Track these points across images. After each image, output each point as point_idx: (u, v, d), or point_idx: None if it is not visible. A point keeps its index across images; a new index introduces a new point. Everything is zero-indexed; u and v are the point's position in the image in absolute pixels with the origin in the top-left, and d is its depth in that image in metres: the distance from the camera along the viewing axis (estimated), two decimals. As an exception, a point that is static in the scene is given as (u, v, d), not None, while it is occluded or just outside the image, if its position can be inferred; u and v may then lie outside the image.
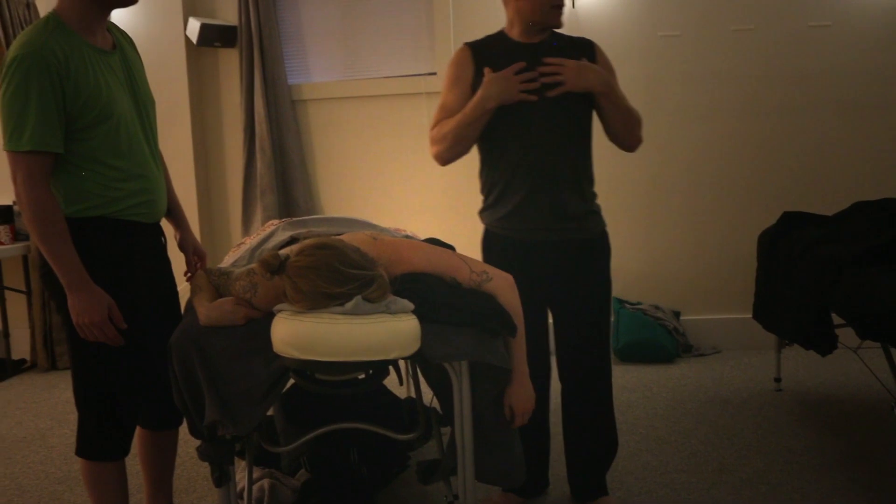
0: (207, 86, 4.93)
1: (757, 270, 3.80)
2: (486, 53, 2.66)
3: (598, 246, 2.73)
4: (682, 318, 4.76)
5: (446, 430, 2.88)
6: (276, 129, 4.74)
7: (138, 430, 2.53)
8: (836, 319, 3.01)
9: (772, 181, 4.62)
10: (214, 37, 4.67)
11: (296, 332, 1.92)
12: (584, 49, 2.69)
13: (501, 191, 2.65)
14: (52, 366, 4.94)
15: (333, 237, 2.09)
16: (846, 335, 3.03)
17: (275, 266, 1.99)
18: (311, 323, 1.91)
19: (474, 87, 2.61)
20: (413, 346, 2.03)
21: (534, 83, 2.51)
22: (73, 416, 3.99)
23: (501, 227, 2.68)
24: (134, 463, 3.22)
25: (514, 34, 2.66)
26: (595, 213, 2.72)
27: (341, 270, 1.94)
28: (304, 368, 2.02)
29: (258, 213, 4.75)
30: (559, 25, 2.62)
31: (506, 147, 2.61)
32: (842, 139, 4.56)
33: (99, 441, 2.33)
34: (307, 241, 2.04)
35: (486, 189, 2.72)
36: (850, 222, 3.29)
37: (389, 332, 1.96)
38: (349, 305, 1.92)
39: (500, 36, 2.69)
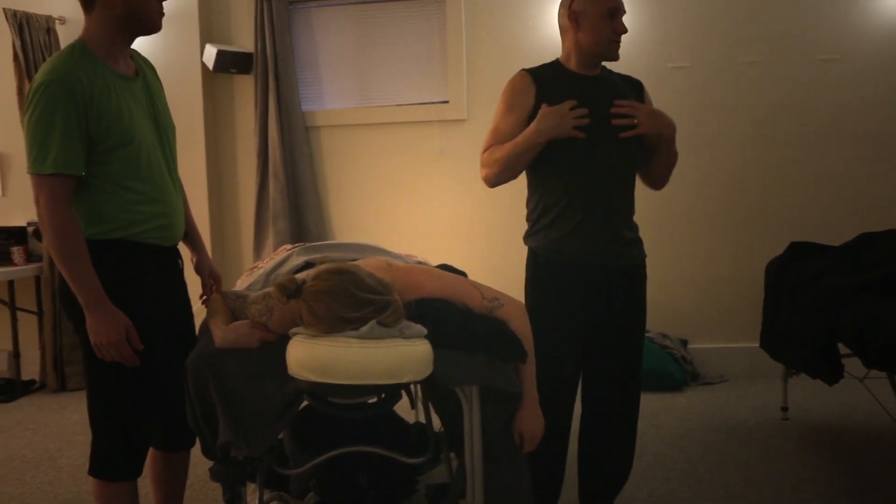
0: (222, 111, 5.00)
1: (764, 300, 3.83)
2: (546, 82, 2.69)
3: (641, 273, 2.79)
4: (689, 346, 4.78)
5: (451, 454, 2.90)
6: (289, 155, 4.80)
7: (151, 450, 2.56)
8: (843, 349, 3.03)
9: (779, 211, 4.66)
10: (230, 63, 4.75)
11: (311, 355, 1.96)
12: (635, 87, 2.79)
13: (557, 216, 2.67)
14: (62, 387, 4.97)
15: (349, 262, 2.14)
16: (852, 364, 3.05)
17: (291, 290, 2.03)
18: (327, 346, 1.95)
19: (533, 113, 2.65)
20: (426, 371, 2.06)
21: (585, 119, 2.55)
22: (83, 438, 4.02)
23: (553, 250, 2.69)
24: (144, 484, 3.24)
25: (572, 65, 2.70)
26: (641, 241, 2.79)
27: (357, 295, 1.98)
28: (319, 391, 2.05)
29: (270, 237, 4.80)
30: (616, 58, 2.68)
31: (563, 174, 2.65)
32: (848, 171, 4.60)
33: (112, 461, 2.36)
34: (323, 266, 2.08)
35: (538, 213, 2.73)
36: (857, 253, 3.33)
37: (403, 356, 1.99)
38: (364, 330, 1.95)
39: (557, 65, 2.74)
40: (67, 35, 4.84)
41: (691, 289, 4.75)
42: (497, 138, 2.70)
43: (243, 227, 5.05)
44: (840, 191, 4.62)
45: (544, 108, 2.58)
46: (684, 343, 4.76)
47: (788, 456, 3.50)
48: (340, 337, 1.96)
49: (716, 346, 4.77)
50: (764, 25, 4.57)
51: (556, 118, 2.55)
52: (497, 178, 2.69)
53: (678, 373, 4.54)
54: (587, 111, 2.56)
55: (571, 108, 2.56)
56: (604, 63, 2.72)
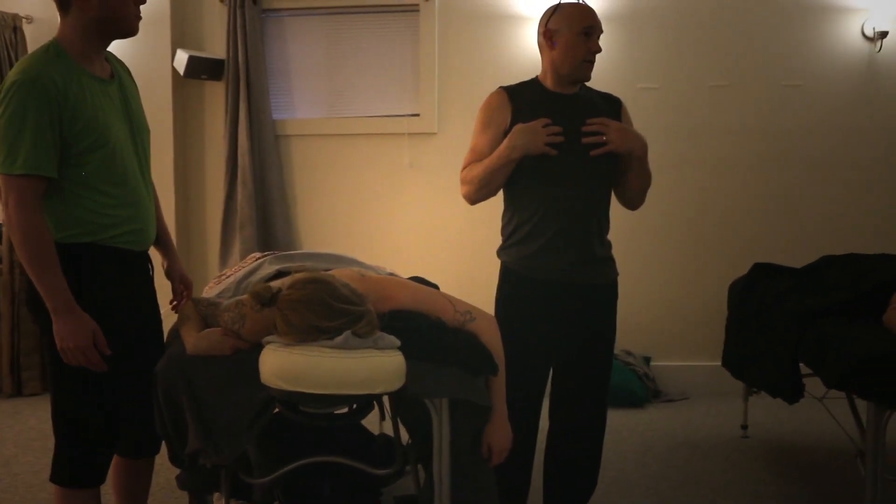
0: (192, 117, 4.97)
1: (727, 319, 3.89)
2: (522, 99, 2.72)
3: (613, 292, 2.82)
4: (652, 363, 4.83)
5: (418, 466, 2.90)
6: (258, 163, 4.78)
7: (114, 457, 2.52)
8: (804, 369, 3.08)
9: (743, 233, 4.74)
10: (202, 69, 4.72)
11: (285, 364, 1.95)
12: (612, 105, 2.79)
13: (529, 231, 2.69)
14: (18, 392, 4.87)
15: (323, 272, 2.14)
16: (811, 384, 3.11)
17: (266, 298, 2.03)
18: (301, 355, 1.95)
19: (507, 132, 2.68)
20: (398, 382, 2.07)
21: (559, 137, 2.58)
22: (39, 444, 3.94)
23: (525, 265, 2.71)
24: (106, 492, 3.19)
25: (549, 83, 2.73)
26: (613, 259, 2.81)
27: (332, 305, 1.98)
28: (291, 400, 2.05)
29: (236, 245, 4.77)
30: (588, 78, 2.71)
31: (536, 190, 2.67)
32: (811, 194, 4.70)
33: (76, 468, 2.32)
34: (298, 275, 2.08)
35: (512, 228, 2.75)
36: (819, 275, 3.40)
37: (376, 367, 2.00)
38: (339, 340, 1.96)
39: (534, 83, 2.76)
40: (34, 33, 4.78)
41: (655, 307, 4.80)
42: (474, 156, 2.73)
43: (210, 233, 5.01)
44: (802, 214, 4.71)
45: (518, 125, 2.61)
46: (647, 360, 4.81)
47: (748, 473, 3.55)
48: (315, 346, 1.97)
49: (678, 364, 4.82)
50: (731, 51, 4.66)
51: (529, 135, 2.58)
52: (475, 195, 2.72)
53: (641, 390, 4.58)
54: (560, 129, 2.58)
55: (545, 126, 2.59)
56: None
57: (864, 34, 4.57)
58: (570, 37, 2.64)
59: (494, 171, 2.63)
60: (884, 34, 4.48)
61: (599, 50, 2.67)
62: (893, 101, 4.62)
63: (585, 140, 2.60)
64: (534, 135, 2.58)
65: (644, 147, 2.67)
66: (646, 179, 2.76)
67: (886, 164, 4.66)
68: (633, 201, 2.84)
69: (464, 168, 2.75)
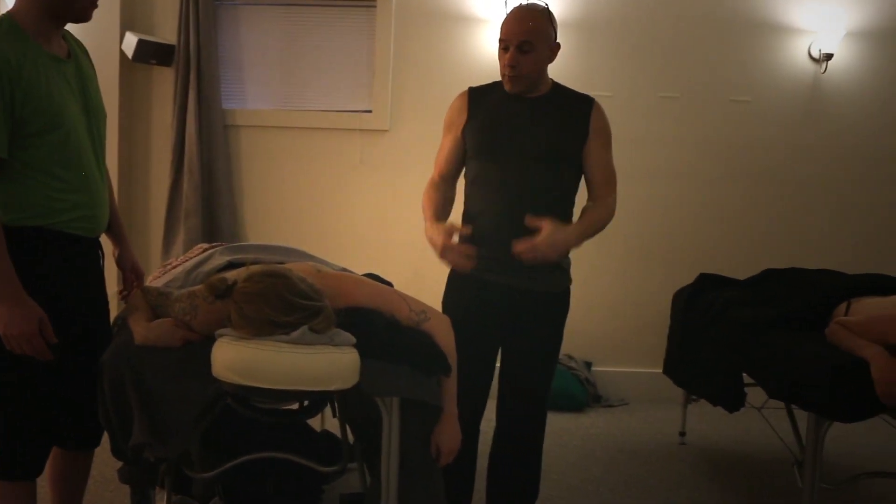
0: (138, 102, 4.85)
1: (670, 327, 3.95)
2: (481, 101, 2.73)
3: (560, 301, 2.80)
4: (593, 368, 4.88)
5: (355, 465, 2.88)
6: (206, 152, 4.69)
7: (52, 449, 2.44)
8: (745, 379, 3.15)
9: (687, 243, 4.82)
10: (151, 54, 4.62)
11: (238, 358, 1.92)
12: (581, 107, 2.72)
13: (480, 235, 2.66)
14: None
15: (280, 266, 2.11)
16: (751, 394, 3.18)
17: (221, 290, 1.99)
18: (255, 349, 1.92)
19: (464, 132, 2.72)
20: (353, 379, 2.05)
21: (466, 261, 2.58)
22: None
23: (473, 268, 2.67)
24: (41, 484, 3.09)
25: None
26: (564, 270, 2.79)
27: (289, 300, 1.95)
28: (243, 395, 2.01)
29: (181, 235, 4.67)
30: (512, 91, 2.66)
31: (489, 195, 2.67)
32: (755, 208, 4.81)
33: (13, 459, 2.25)
34: (255, 268, 2.04)
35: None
36: (763, 288, 3.47)
37: (332, 363, 1.98)
38: (295, 335, 1.93)
39: (500, 85, 2.73)
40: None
41: (598, 313, 4.85)
42: (439, 156, 2.81)
43: (153, 222, 4.90)
44: (746, 226, 4.82)
45: (434, 230, 2.61)
46: (588, 365, 4.87)
47: (686, 479, 3.61)
48: (270, 340, 1.93)
49: (619, 370, 4.89)
50: (682, 63, 4.73)
51: (437, 248, 2.59)
52: None
53: (581, 394, 4.63)
54: (473, 252, 2.57)
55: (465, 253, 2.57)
56: (556, 81, 2.75)
57: (810, 55, 4.69)
58: (499, 48, 2.65)
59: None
60: (829, 56, 4.61)
61: (513, 63, 2.59)
62: (837, 121, 4.75)
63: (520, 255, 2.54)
64: (434, 244, 2.60)
65: (574, 245, 2.67)
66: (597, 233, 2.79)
67: (829, 181, 4.79)
68: None
69: (434, 170, 2.81)
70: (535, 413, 2.84)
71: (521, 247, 2.51)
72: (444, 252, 2.57)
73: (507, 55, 2.60)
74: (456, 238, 2.60)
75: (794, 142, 4.76)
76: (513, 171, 2.65)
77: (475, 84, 2.84)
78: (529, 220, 2.54)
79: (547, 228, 2.51)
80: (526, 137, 2.64)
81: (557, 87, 2.75)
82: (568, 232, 2.61)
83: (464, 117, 2.73)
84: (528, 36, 2.58)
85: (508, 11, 2.68)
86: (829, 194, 4.81)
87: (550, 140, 2.66)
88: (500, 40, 2.62)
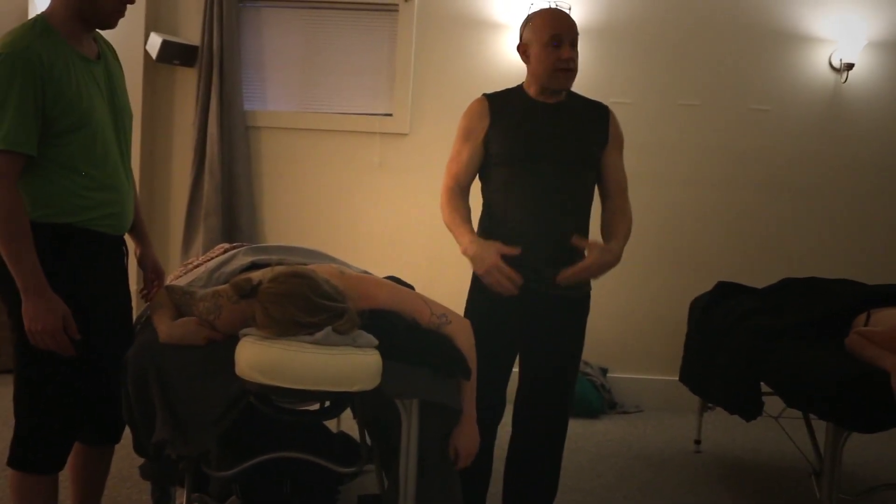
0: (161, 102, 4.90)
1: (687, 335, 3.95)
2: (502, 107, 2.72)
3: (583, 305, 2.81)
4: (609, 375, 4.88)
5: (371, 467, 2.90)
6: (227, 153, 4.73)
7: (74, 444, 2.47)
8: (762, 388, 3.15)
9: (705, 250, 4.82)
10: (175, 54, 4.66)
11: (263, 358, 1.94)
12: (600, 114, 2.77)
13: (504, 239, 2.60)
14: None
15: (304, 266, 2.12)
16: (767, 403, 3.18)
17: (246, 290, 2.01)
18: (280, 349, 1.94)
19: (486, 140, 2.69)
20: (375, 380, 2.07)
21: (512, 286, 2.49)
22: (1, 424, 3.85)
23: None
24: (62, 477, 3.13)
25: (532, 92, 2.72)
26: None
27: (314, 301, 1.97)
28: (266, 394, 2.03)
29: (200, 234, 4.70)
30: (566, 88, 2.68)
31: (513, 199, 2.66)
32: (774, 217, 4.80)
33: (36, 453, 2.27)
34: (279, 269, 2.06)
35: (486, 235, 2.69)
36: (781, 297, 3.47)
37: (355, 364, 1.99)
38: (319, 335, 1.95)
39: (519, 91, 2.76)
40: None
41: (614, 319, 4.85)
42: (455, 165, 2.75)
43: (173, 221, 4.94)
44: (765, 235, 4.81)
45: (483, 247, 2.53)
46: (604, 371, 4.87)
47: (701, 487, 3.61)
48: (294, 341, 1.95)
49: (634, 377, 4.89)
50: (702, 71, 4.73)
51: (479, 258, 2.51)
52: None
53: (597, 400, 4.63)
54: (520, 280, 2.50)
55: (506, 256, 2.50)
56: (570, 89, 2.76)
57: (831, 65, 4.68)
58: (539, 48, 2.64)
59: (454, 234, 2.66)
60: (850, 66, 4.60)
61: (571, 56, 2.62)
62: (856, 131, 4.74)
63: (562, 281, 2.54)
64: (482, 261, 2.51)
65: (618, 260, 2.63)
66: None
67: (848, 190, 4.78)
68: None
69: (447, 173, 2.75)
70: (558, 417, 2.84)
71: (570, 272, 2.52)
72: (490, 271, 2.49)
73: (563, 50, 2.61)
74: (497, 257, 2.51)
75: (813, 150, 4.76)
76: (549, 175, 2.65)
77: (495, 89, 2.85)
78: (576, 241, 2.57)
79: (595, 250, 2.54)
80: (559, 143, 2.65)
81: (571, 95, 2.78)
82: (614, 252, 2.61)
83: (485, 123, 2.72)
84: (577, 32, 2.65)
85: (538, 11, 2.68)
86: (847, 204, 4.80)
87: (580, 146, 2.69)
88: (553, 36, 2.60)
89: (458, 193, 2.74)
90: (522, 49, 2.71)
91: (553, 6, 2.72)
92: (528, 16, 2.71)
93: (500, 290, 2.51)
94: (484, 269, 2.51)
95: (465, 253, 2.58)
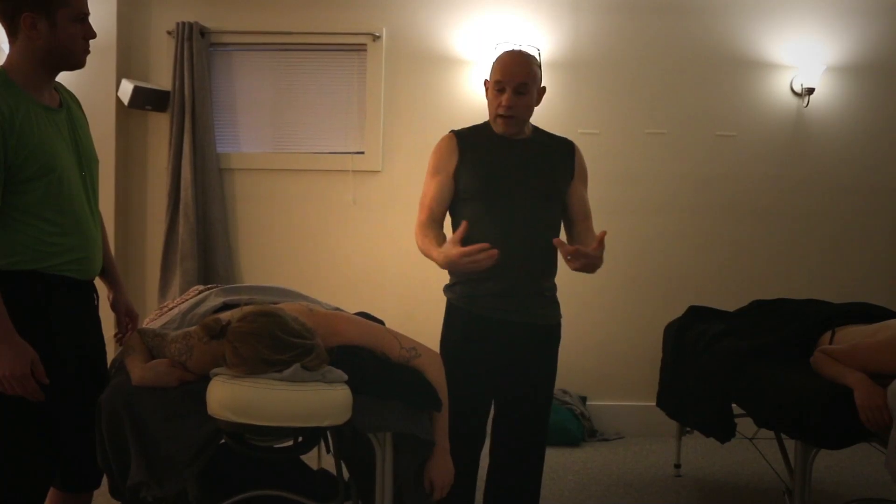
0: (134, 148, 4.93)
1: (662, 360, 3.99)
2: (470, 143, 2.77)
3: (554, 334, 2.86)
4: (588, 402, 4.91)
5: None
6: (201, 196, 4.76)
7: (51, 491, 2.46)
8: (736, 410, 3.19)
9: (677, 276, 4.88)
10: (146, 100, 4.70)
11: (234, 396, 1.96)
12: (566, 149, 2.84)
13: (487, 270, 2.57)
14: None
15: (273, 306, 2.16)
16: (742, 424, 3.22)
17: (216, 330, 2.04)
18: (250, 387, 1.96)
19: (455, 175, 2.73)
20: (345, 415, 2.09)
21: (487, 256, 2.46)
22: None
23: (471, 304, 2.74)
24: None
25: (496, 128, 2.76)
26: (557, 302, 2.87)
27: (282, 338, 2.00)
28: (238, 432, 2.05)
29: (177, 277, 4.72)
30: (505, 133, 2.72)
31: (484, 231, 2.67)
32: (743, 240, 4.88)
33: (10, 500, 2.27)
34: (248, 308, 2.09)
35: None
36: (750, 319, 3.52)
37: (324, 400, 2.02)
38: (288, 372, 1.98)
39: (486, 127, 2.81)
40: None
41: (591, 347, 4.90)
42: (426, 200, 2.78)
43: (149, 265, 4.96)
44: (734, 259, 4.88)
45: (446, 250, 2.52)
46: (583, 399, 4.89)
47: (681, 511, 3.63)
48: (263, 378, 1.98)
49: (613, 404, 4.91)
50: (668, 100, 4.83)
51: (454, 263, 2.49)
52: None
53: (577, 429, 4.65)
54: (489, 246, 2.46)
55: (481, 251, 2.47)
56: (533, 124, 2.81)
57: (792, 90, 4.80)
58: (489, 91, 2.72)
59: (432, 259, 2.65)
60: (811, 90, 4.72)
61: (510, 104, 2.63)
62: (820, 154, 4.85)
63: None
64: (451, 260, 2.49)
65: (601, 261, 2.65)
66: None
67: (814, 212, 4.87)
68: None
69: (419, 215, 2.77)
70: (535, 445, 2.86)
71: (573, 248, 2.49)
72: (460, 260, 2.44)
73: (504, 97, 2.65)
74: (452, 246, 2.50)
75: (779, 174, 4.85)
76: (517, 209, 2.71)
77: (464, 124, 2.91)
78: (558, 242, 2.53)
79: (583, 250, 2.53)
80: (526, 177, 2.71)
81: (537, 130, 2.85)
82: (600, 251, 2.62)
83: (454, 160, 2.77)
84: (525, 78, 2.65)
85: (500, 53, 2.74)
86: (814, 225, 4.89)
87: (547, 180, 2.75)
88: (496, 82, 2.67)
89: (431, 225, 2.76)
90: (485, 86, 2.78)
91: (518, 48, 2.77)
92: (499, 55, 2.78)
93: (484, 264, 2.43)
94: (459, 265, 2.47)
95: (441, 266, 2.60)
